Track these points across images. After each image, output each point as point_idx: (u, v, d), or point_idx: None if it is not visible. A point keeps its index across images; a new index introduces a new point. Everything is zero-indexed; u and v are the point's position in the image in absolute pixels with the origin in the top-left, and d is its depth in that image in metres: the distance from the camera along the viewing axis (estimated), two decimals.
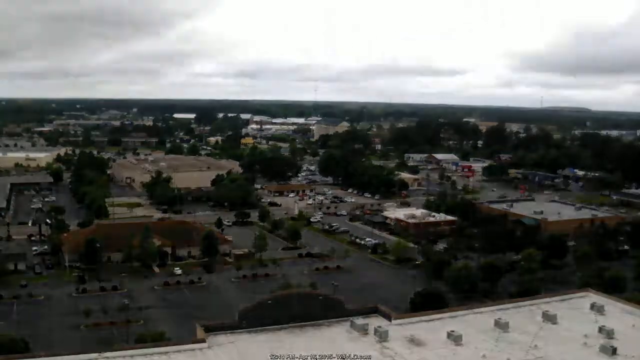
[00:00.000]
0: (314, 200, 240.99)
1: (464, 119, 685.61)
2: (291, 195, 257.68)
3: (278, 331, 59.81)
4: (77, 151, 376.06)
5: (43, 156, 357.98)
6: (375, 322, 62.04)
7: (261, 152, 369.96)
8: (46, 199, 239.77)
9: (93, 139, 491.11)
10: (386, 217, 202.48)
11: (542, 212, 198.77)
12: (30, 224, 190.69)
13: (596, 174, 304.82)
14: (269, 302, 62.43)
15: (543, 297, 75.75)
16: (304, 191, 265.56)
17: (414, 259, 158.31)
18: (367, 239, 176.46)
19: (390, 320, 63.15)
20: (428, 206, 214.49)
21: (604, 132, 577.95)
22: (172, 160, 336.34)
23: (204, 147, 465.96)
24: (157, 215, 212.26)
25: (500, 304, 73.31)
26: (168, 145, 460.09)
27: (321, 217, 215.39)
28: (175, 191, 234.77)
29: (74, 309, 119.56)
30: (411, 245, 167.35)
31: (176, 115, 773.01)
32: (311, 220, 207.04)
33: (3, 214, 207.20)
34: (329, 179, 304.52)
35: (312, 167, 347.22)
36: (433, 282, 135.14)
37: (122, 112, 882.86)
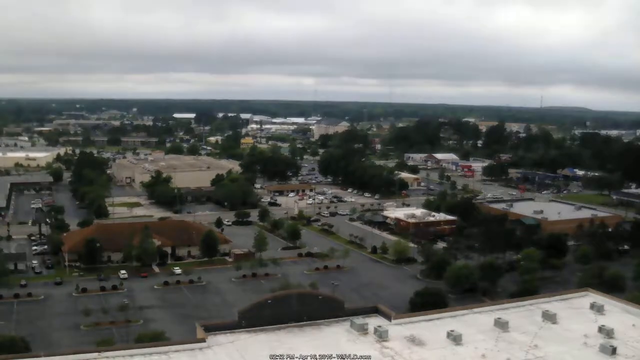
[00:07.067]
0: (313, 200, 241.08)
1: (464, 119, 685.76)
2: (291, 195, 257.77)
3: (278, 331, 59.76)
4: (77, 151, 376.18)
5: (43, 156, 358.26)
6: (375, 322, 61.98)
7: (261, 152, 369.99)
8: (45, 199, 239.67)
9: (93, 139, 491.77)
10: (386, 217, 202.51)
11: (542, 212, 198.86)
12: (30, 224, 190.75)
13: (596, 174, 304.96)
14: (269, 302, 62.32)
15: (543, 297, 75.56)
16: (304, 191, 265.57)
17: (414, 258, 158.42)
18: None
19: (390, 320, 63.06)
20: (428, 206, 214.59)
21: (604, 132, 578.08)
22: (172, 160, 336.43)
23: (204, 147, 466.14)
24: (158, 214, 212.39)
25: (500, 303, 73.30)
26: (168, 145, 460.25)
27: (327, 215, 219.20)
28: (175, 191, 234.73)
29: (74, 308, 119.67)
30: (411, 245, 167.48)
31: (176, 115, 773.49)
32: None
33: (3, 213, 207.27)
34: (329, 179, 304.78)
35: (310, 166, 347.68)
36: (433, 282, 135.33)
37: (122, 112, 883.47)
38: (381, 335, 58.27)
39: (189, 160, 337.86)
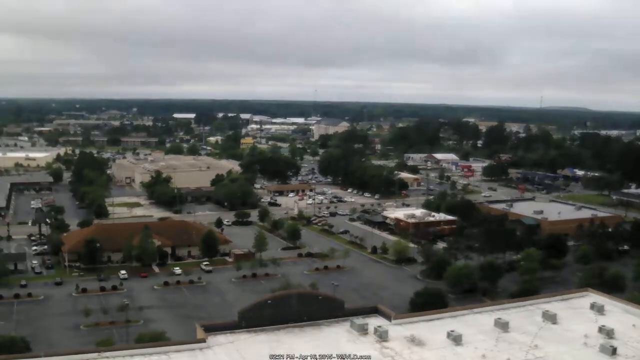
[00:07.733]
0: (313, 200, 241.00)
1: (464, 119, 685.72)
2: (291, 195, 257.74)
3: (278, 331, 59.75)
4: (77, 151, 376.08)
5: (43, 156, 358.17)
6: (375, 322, 61.98)
7: (261, 152, 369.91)
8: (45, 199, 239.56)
9: (93, 139, 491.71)
10: (386, 217, 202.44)
11: (542, 212, 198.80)
12: (30, 224, 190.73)
13: (596, 174, 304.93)
14: (269, 302, 62.33)
15: (543, 297, 75.60)
16: (304, 191, 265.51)
17: (414, 259, 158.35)
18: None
19: (390, 320, 63.06)
20: (428, 206, 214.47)
21: (604, 132, 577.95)
22: (172, 160, 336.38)
23: (204, 147, 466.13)
24: (158, 215, 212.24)
25: (500, 304, 73.29)
26: (168, 145, 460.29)
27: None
28: (175, 191, 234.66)
29: (73, 309, 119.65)
30: (411, 245, 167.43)
31: (176, 115, 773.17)
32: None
33: (3, 213, 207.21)
34: (329, 179, 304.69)
35: (310, 166, 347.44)
36: (433, 282, 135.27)
37: (122, 112, 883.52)
38: (381, 336, 58.25)
39: (188, 161, 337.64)
